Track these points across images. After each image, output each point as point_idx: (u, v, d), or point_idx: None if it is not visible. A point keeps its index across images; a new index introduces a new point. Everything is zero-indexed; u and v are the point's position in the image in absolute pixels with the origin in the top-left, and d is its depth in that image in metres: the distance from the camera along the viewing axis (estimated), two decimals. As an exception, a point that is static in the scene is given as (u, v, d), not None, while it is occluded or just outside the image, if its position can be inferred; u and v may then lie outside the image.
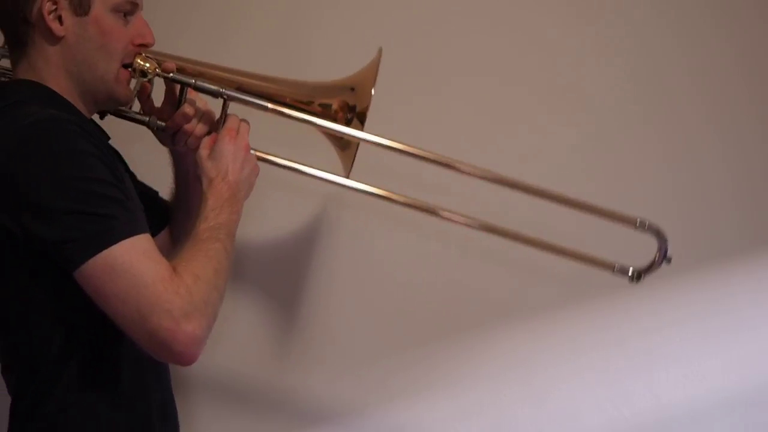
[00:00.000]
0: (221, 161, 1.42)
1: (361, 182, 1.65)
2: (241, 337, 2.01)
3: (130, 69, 1.44)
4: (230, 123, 1.47)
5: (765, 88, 2.09)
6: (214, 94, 1.47)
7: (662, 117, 2.08)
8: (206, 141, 1.47)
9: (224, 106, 1.49)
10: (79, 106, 1.41)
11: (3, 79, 1.55)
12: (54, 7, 1.35)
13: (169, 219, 1.68)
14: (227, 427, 2.01)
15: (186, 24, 2.06)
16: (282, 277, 2.05)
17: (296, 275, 2.04)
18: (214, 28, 2.07)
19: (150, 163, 1.64)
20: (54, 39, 1.37)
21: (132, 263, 1.19)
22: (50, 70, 1.38)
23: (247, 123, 1.50)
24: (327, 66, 1.83)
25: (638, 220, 1.60)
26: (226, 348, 1.98)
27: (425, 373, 2.03)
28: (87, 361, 1.31)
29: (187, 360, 1.21)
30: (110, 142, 1.45)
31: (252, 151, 1.48)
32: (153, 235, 1.29)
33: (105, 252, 1.19)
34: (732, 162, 2.07)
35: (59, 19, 1.36)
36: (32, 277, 1.28)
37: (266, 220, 1.99)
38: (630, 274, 1.64)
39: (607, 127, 2.08)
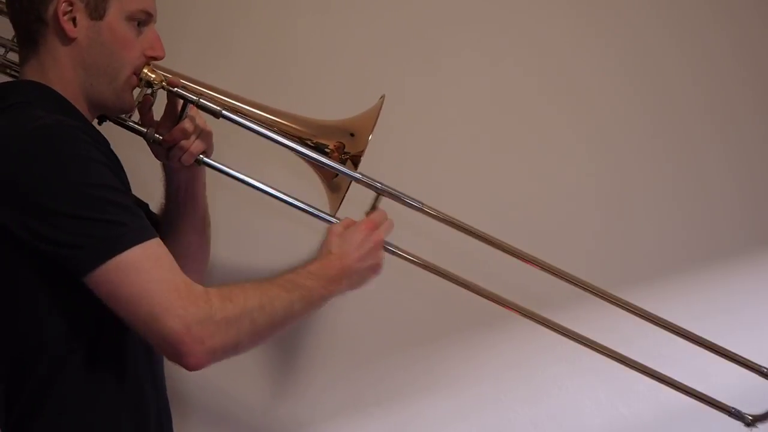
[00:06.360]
0: (346, 244, 1.44)
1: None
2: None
3: (136, 78, 1.44)
4: (375, 216, 1.51)
5: (765, 87, 2.12)
6: (215, 114, 1.47)
7: (662, 116, 2.11)
8: (345, 221, 1.49)
9: (376, 200, 1.53)
10: (83, 109, 1.41)
11: (9, 71, 1.56)
12: (69, 8, 1.36)
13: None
14: (226, 426, 2.02)
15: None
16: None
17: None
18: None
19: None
20: (66, 40, 1.37)
21: (144, 268, 1.21)
22: (58, 70, 1.38)
23: (392, 223, 1.52)
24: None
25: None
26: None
27: (425, 372, 2.04)
28: (82, 371, 1.29)
29: (193, 362, 1.22)
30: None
31: (384, 250, 1.49)
32: None
33: (117, 258, 1.19)
34: (732, 162, 2.11)
35: (73, 20, 1.37)
36: (25, 283, 1.27)
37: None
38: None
39: (608, 127, 2.11)
